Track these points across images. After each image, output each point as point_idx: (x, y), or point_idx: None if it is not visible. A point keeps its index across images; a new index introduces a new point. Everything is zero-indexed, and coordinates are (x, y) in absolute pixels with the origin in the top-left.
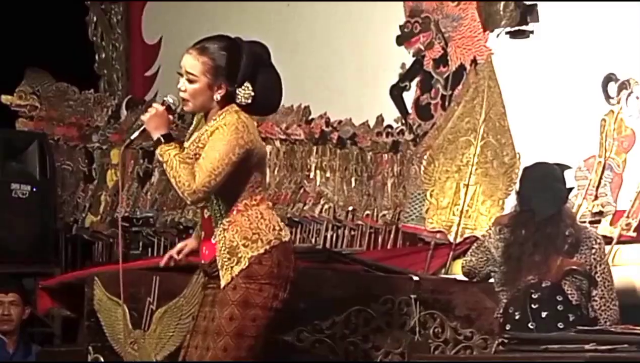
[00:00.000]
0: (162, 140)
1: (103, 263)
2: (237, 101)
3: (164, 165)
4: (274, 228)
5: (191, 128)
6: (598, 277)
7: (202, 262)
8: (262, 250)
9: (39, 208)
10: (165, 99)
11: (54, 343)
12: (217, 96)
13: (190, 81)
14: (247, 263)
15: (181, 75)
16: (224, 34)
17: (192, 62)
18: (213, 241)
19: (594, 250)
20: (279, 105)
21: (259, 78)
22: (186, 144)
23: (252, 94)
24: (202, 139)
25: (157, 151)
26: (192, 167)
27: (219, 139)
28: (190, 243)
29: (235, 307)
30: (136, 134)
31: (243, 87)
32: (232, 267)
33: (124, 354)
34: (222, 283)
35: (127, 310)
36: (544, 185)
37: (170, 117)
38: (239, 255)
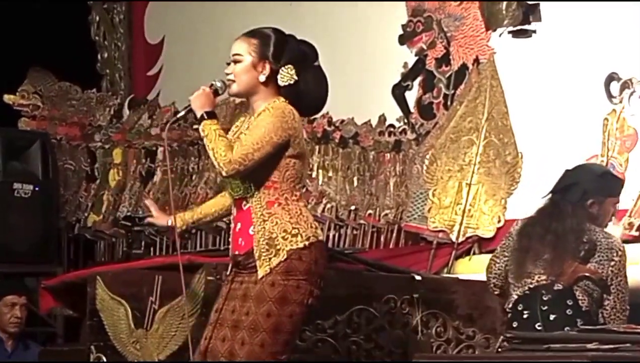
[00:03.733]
0: (205, 116)
1: (105, 262)
2: (280, 82)
3: (204, 139)
4: (311, 225)
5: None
6: (613, 289)
7: (236, 252)
8: (301, 245)
9: (41, 207)
10: (212, 82)
11: (56, 343)
12: (262, 77)
13: (236, 62)
14: (285, 256)
15: (229, 64)
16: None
17: (239, 45)
18: (251, 232)
19: (613, 262)
20: (323, 107)
21: (304, 74)
22: (233, 129)
23: (295, 77)
24: (249, 124)
25: (200, 127)
26: (230, 142)
27: (264, 118)
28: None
29: (273, 304)
30: (182, 113)
31: (286, 67)
32: (270, 259)
33: (126, 353)
34: (260, 273)
35: (129, 310)
36: (577, 177)
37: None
38: (278, 247)
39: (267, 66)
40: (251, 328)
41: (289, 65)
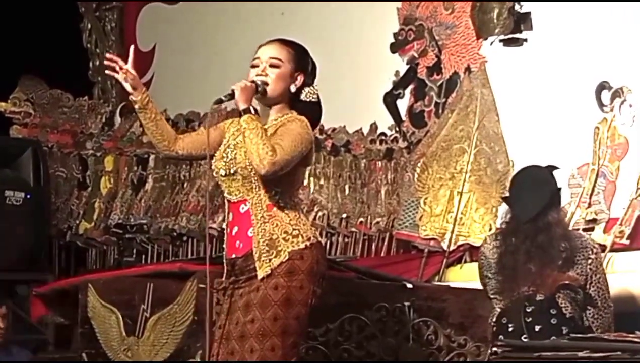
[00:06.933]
0: (252, 110)
1: (97, 270)
2: (306, 98)
3: (247, 131)
4: (310, 228)
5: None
6: (593, 286)
7: (233, 256)
8: (302, 245)
9: (32, 215)
10: (255, 79)
11: (47, 350)
12: (294, 87)
13: (274, 65)
14: (287, 257)
15: (254, 66)
16: None
17: (277, 49)
18: (250, 234)
19: (590, 260)
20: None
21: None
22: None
23: (318, 95)
24: (268, 131)
25: (244, 118)
26: (274, 144)
27: (295, 128)
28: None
29: (278, 307)
30: (225, 98)
31: (315, 85)
32: (270, 259)
33: (117, 361)
34: (260, 274)
35: (120, 317)
36: (524, 188)
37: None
38: (279, 248)
39: (302, 78)
40: (259, 334)
41: (315, 85)
